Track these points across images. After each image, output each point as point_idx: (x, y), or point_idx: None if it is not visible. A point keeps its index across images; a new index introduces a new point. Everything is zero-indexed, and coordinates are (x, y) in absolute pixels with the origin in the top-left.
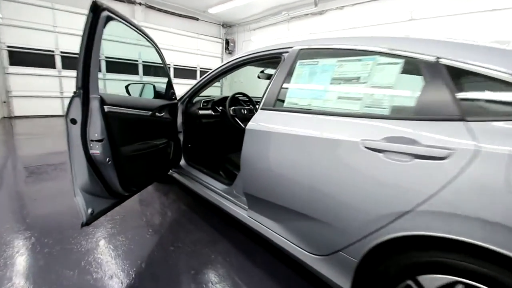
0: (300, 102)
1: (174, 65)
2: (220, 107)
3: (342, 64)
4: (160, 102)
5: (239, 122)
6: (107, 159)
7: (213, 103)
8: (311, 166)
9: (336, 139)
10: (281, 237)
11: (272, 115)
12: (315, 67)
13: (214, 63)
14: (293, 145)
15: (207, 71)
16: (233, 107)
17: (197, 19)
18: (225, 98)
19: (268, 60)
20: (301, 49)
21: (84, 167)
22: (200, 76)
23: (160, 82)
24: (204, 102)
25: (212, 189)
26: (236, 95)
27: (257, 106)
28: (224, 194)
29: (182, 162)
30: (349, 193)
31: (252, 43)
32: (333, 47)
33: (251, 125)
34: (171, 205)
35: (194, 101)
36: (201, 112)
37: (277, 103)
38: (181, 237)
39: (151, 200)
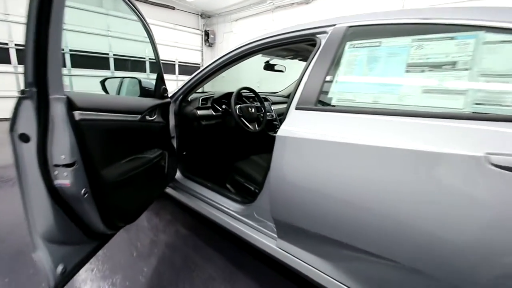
0: (358, 98)
1: (150, 58)
2: (223, 106)
3: (422, 44)
4: (151, 102)
5: (247, 124)
6: (83, 190)
7: (213, 101)
8: (393, 191)
9: (437, 152)
10: (333, 280)
11: (314, 117)
12: (376, 49)
13: (193, 57)
14: (358, 158)
15: (187, 65)
16: (239, 105)
17: (173, 8)
18: (228, 94)
19: (293, 45)
20: (351, 26)
21: (47, 206)
22: (179, 71)
23: (142, 78)
24: (202, 100)
25: (220, 208)
26: (241, 91)
27: (266, 104)
28: (239, 217)
29: (177, 174)
30: (464, 232)
31: (234, 34)
32: (402, 22)
33: (284, 130)
34: (166, 229)
35: (190, 99)
36: (200, 112)
37: (320, 101)
38: (187, 276)
39: (140, 223)
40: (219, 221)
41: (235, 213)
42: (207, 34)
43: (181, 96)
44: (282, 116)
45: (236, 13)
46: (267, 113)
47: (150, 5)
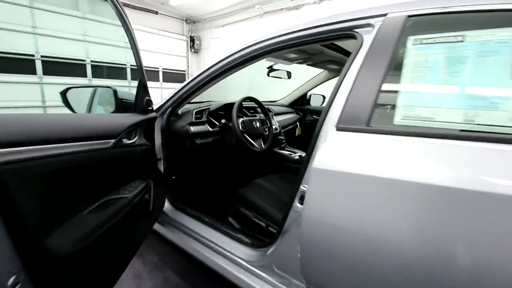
0: (440, 116)
1: (131, 65)
2: (223, 120)
3: None
4: (129, 119)
5: (251, 141)
6: (11, 280)
7: (209, 114)
8: None
9: None
10: None
11: (368, 141)
12: (459, 47)
13: (178, 63)
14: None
15: (171, 72)
16: (242, 119)
17: (156, 12)
18: (227, 106)
19: (308, 46)
20: (412, 16)
21: None
22: (163, 79)
23: (122, 86)
24: (196, 113)
25: (222, 252)
26: (243, 102)
27: (271, 117)
28: (250, 267)
29: (166, 205)
30: None
31: (221, 40)
32: (497, 8)
33: (325, 161)
34: (153, 277)
35: (180, 112)
36: (193, 129)
37: (374, 119)
38: None
39: None
40: (221, 271)
41: (243, 262)
42: (192, 40)
43: (170, 109)
44: (286, 128)
45: (222, 18)
46: (272, 127)
47: (131, 9)
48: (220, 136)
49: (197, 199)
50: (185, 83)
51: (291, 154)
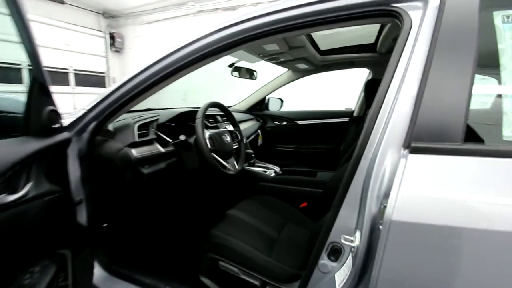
0: None
1: (28, 65)
2: (181, 137)
3: None
4: (14, 150)
5: (223, 162)
6: None
7: (158, 128)
8: None
9: None
10: None
11: (471, 167)
12: None
13: (96, 64)
14: None
15: (87, 74)
16: (208, 133)
17: (62, 2)
18: (183, 115)
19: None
20: None
21: None
22: (76, 82)
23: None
24: (140, 127)
25: None
26: (208, 108)
27: (241, 130)
28: None
29: (98, 271)
30: None
31: (148, 39)
32: None
33: (409, 208)
34: None
35: (113, 128)
36: (137, 152)
37: (469, 132)
38: None
39: None
40: None
41: None
42: (112, 37)
43: (95, 124)
44: (248, 138)
45: (149, 14)
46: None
47: None
48: (178, 159)
49: (148, 254)
50: (119, 84)
51: (265, 171)
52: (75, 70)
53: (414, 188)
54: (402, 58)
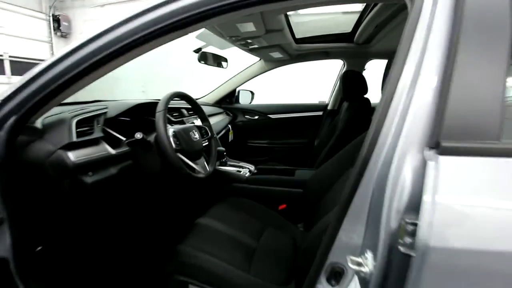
0: None
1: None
2: (138, 135)
3: None
4: None
5: (191, 164)
6: None
7: (107, 123)
8: None
9: None
10: None
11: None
12: None
13: (37, 50)
14: None
15: (27, 62)
16: (173, 129)
17: None
18: (139, 108)
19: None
20: None
21: None
22: (12, 71)
23: None
24: (80, 122)
25: None
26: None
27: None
28: None
29: None
30: None
31: (101, 23)
32: None
33: (445, 231)
34: None
35: (42, 125)
36: (75, 156)
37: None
38: None
39: None
40: None
41: None
42: (57, 20)
43: (14, 119)
44: (219, 134)
45: None
46: (215, 137)
47: None
48: (134, 161)
49: (98, 282)
50: (44, 65)
51: (239, 171)
52: (11, 56)
53: (455, 200)
54: (415, 42)
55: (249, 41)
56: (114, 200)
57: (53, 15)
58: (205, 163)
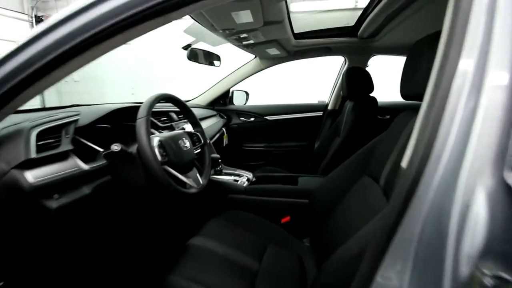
0: None
1: None
2: (115, 146)
3: None
4: None
5: (182, 177)
6: None
7: (78, 132)
8: None
9: None
10: None
11: None
12: None
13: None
14: None
15: None
16: (158, 139)
17: None
18: (118, 113)
19: None
20: None
21: None
22: None
23: None
24: (42, 134)
25: None
26: (157, 103)
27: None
28: None
29: None
30: None
31: None
32: None
33: None
34: None
35: None
36: (34, 177)
37: None
38: None
39: None
40: None
41: None
42: (40, 21)
43: None
44: (212, 138)
45: None
46: (208, 144)
47: None
48: (113, 177)
49: None
50: None
51: (236, 180)
52: None
53: None
54: (472, 30)
55: (244, 35)
56: (88, 225)
57: (35, 16)
58: (197, 175)
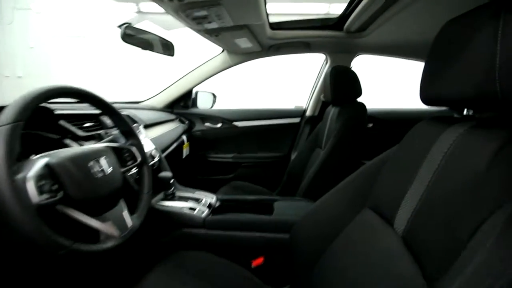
0: None
1: None
2: None
3: None
4: None
5: (90, 223)
6: None
7: None
8: None
9: None
10: None
11: None
12: None
13: None
14: None
15: None
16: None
17: None
18: None
19: None
20: None
21: None
22: None
23: None
24: None
25: None
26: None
27: (139, 136)
28: None
29: None
30: None
31: (37, 14)
32: None
33: None
34: None
35: None
36: None
37: None
38: None
39: None
40: None
41: None
42: None
43: None
44: (167, 149)
45: None
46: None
47: None
48: None
49: None
50: None
51: (193, 208)
52: None
53: None
54: None
55: (204, 12)
56: None
57: None
58: (124, 213)
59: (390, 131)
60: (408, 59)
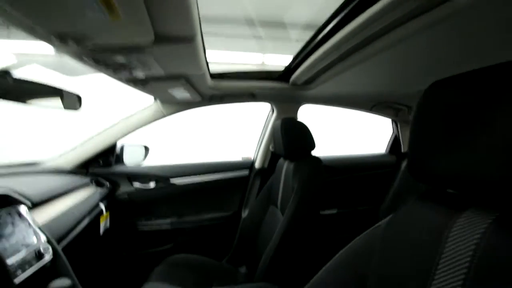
0: None
1: None
2: None
3: None
4: None
5: None
6: None
7: None
8: None
9: None
10: None
11: None
12: None
13: None
14: None
15: None
16: None
17: None
18: None
19: None
20: None
21: None
22: None
23: None
24: None
25: None
26: None
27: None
28: None
29: None
30: None
31: None
32: None
33: None
34: None
35: None
36: None
37: None
38: None
39: None
40: None
41: None
42: None
43: None
44: (73, 230)
45: None
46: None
47: None
48: None
49: None
50: None
51: None
52: None
53: None
54: None
55: (120, 59)
56: None
57: None
58: None
59: (341, 178)
60: (351, 109)
